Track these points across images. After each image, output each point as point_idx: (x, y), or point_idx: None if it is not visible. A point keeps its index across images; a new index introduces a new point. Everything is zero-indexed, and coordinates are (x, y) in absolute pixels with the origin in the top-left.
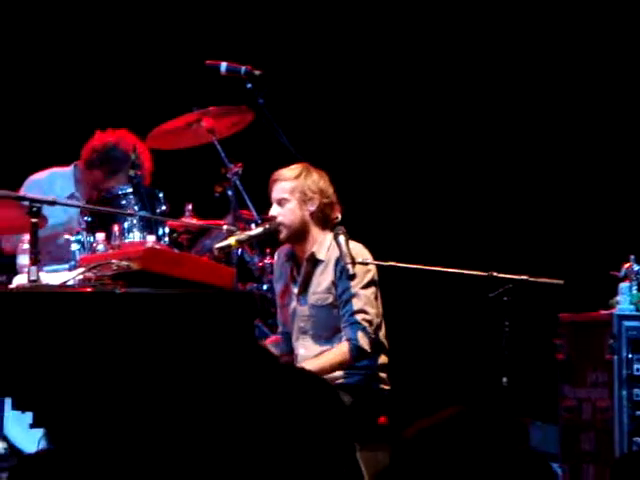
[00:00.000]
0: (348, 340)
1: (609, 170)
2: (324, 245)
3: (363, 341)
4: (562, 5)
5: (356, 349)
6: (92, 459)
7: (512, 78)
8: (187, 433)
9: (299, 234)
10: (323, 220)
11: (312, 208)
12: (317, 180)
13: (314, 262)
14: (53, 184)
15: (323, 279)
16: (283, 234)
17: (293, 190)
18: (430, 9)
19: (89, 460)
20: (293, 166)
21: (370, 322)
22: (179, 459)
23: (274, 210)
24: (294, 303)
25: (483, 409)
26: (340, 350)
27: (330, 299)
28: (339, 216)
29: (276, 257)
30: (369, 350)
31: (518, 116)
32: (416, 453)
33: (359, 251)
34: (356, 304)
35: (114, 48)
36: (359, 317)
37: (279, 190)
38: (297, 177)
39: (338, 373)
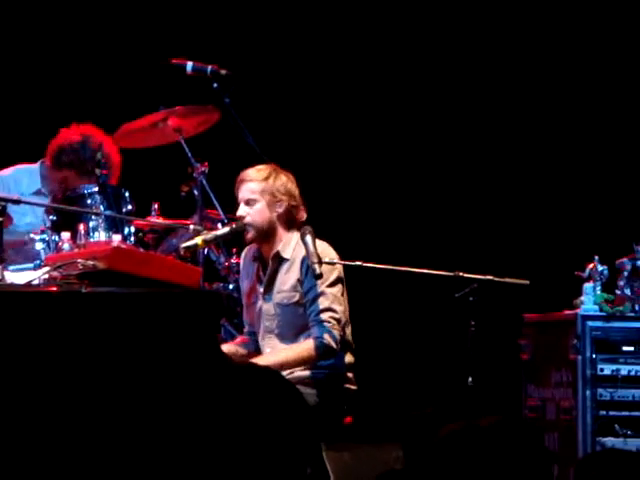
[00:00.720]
0: (315, 338)
1: (574, 171)
2: (290, 244)
3: (330, 339)
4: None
5: (323, 347)
6: (49, 456)
7: (482, 80)
8: (152, 432)
9: (266, 234)
10: (289, 221)
11: (280, 210)
12: (285, 182)
13: (279, 261)
14: (19, 181)
15: (288, 278)
16: (250, 234)
17: (262, 191)
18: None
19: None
20: (261, 166)
21: (338, 320)
22: (140, 457)
23: (242, 210)
24: (260, 302)
25: (517, 421)
26: (307, 345)
27: (296, 297)
28: (304, 216)
29: (242, 257)
30: (336, 348)
31: (486, 116)
32: (447, 453)
33: (324, 250)
34: (323, 303)
35: (81, 46)
36: (326, 316)
37: (247, 191)
38: (266, 179)
39: (304, 373)
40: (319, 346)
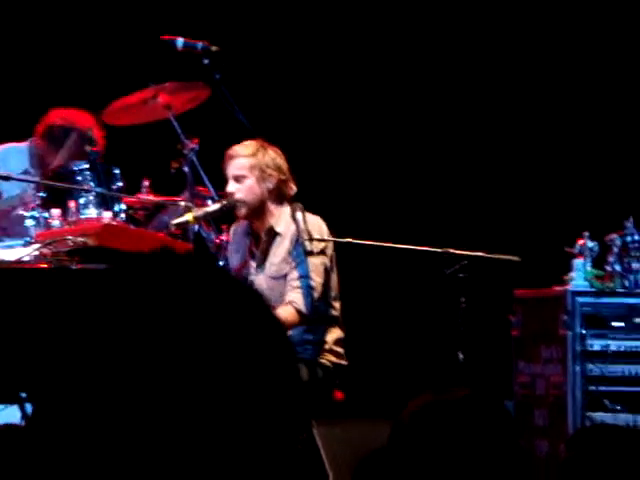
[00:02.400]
0: (288, 302)
1: (564, 146)
2: (282, 218)
3: (301, 304)
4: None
5: (294, 311)
6: (48, 437)
7: (475, 61)
8: (154, 408)
9: (257, 210)
10: (279, 196)
11: (270, 185)
12: (274, 157)
13: (272, 235)
14: (8, 159)
15: (280, 251)
16: (242, 211)
17: (252, 167)
18: None
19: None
20: (248, 142)
21: (312, 288)
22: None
23: (232, 187)
24: (252, 276)
25: (489, 395)
26: (279, 312)
27: (286, 269)
28: (294, 190)
29: (232, 232)
30: (307, 313)
31: (476, 93)
32: (417, 429)
33: (315, 224)
34: (302, 270)
35: (70, 24)
36: (301, 282)
37: (236, 166)
38: (254, 154)
39: None
40: (290, 311)
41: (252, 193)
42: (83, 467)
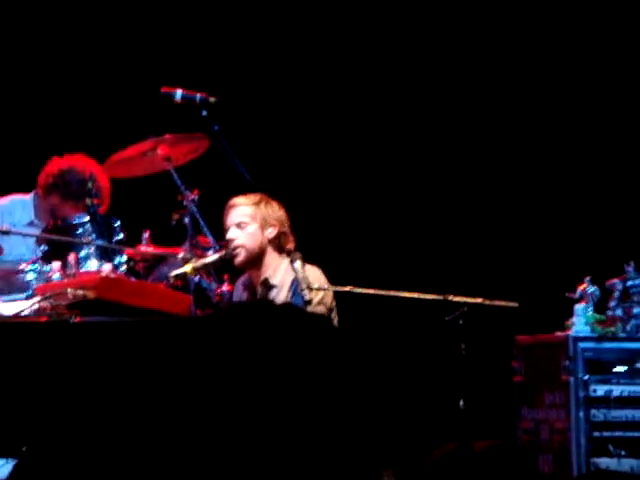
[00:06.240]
0: None
1: (563, 192)
2: (278, 270)
3: None
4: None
5: None
6: None
7: (466, 89)
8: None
9: (255, 259)
10: (279, 247)
11: (270, 235)
12: (276, 209)
13: (268, 287)
14: (13, 211)
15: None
16: (240, 258)
17: (254, 215)
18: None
19: None
20: (251, 195)
21: None
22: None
23: (233, 233)
24: None
25: (511, 446)
26: None
27: None
28: (293, 246)
29: (235, 286)
30: None
31: (472, 132)
32: (439, 476)
33: (314, 274)
34: None
35: (69, 76)
36: None
37: (238, 214)
38: (258, 204)
39: None
40: None
41: (253, 240)
42: None
